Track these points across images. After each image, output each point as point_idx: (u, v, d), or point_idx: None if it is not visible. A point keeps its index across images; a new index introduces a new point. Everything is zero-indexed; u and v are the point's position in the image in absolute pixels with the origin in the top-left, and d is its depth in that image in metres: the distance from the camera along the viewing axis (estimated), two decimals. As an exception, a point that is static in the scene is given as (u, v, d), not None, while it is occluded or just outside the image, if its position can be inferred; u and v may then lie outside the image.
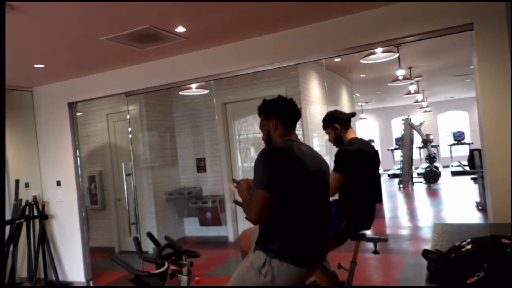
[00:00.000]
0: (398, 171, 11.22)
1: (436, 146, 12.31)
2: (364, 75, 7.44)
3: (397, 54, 5.01)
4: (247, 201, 1.94)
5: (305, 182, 1.94)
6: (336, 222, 2.66)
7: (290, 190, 1.88)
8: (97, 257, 5.41)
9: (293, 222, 1.91)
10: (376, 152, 2.90)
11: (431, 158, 10.48)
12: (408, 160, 10.25)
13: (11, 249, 4.61)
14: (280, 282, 1.89)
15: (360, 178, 2.73)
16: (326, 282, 2.72)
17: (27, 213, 4.69)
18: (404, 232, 6.43)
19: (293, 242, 1.91)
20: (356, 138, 2.84)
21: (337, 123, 2.84)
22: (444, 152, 13.16)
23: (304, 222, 1.93)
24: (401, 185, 10.25)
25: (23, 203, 4.74)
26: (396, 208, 8.38)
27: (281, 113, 2.10)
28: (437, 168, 10.54)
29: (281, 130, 2.09)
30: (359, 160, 2.69)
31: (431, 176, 10.34)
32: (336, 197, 2.78)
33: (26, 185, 4.93)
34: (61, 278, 4.73)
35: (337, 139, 2.86)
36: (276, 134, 2.10)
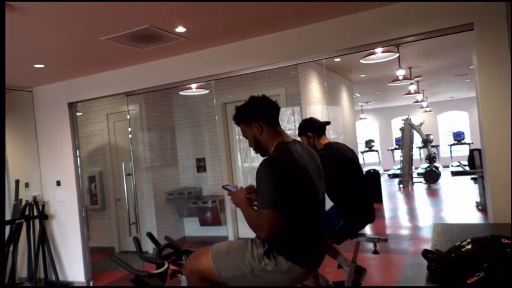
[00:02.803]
0: (398, 171, 11.22)
1: (436, 146, 12.30)
2: (364, 75, 7.44)
3: (397, 54, 5.01)
4: (255, 219, 1.88)
5: (308, 188, 1.93)
6: (334, 220, 2.68)
7: (296, 199, 1.87)
8: (97, 257, 5.40)
9: (298, 225, 1.91)
10: (353, 151, 3.00)
11: (431, 158, 10.48)
12: (408, 160, 10.24)
13: (11, 249, 4.61)
14: (279, 276, 1.89)
15: (349, 179, 2.78)
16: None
17: (27, 213, 4.69)
18: (404, 232, 6.43)
19: (297, 244, 1.91)
20: (331, 143, 2.92)
21: (310, 131, 2.89)
22: (444, 152, 13.17)
23: (308, 226, 1.94)
24: (401, 185, 10.25)
25: (23, 203, 4.74)
26: (396, 208, 8.38)
27: (261, 114, 2.01)
28: (437, 168, 10.54)
29: (268, 131, 2.02)
30: (343, 162, 2.78)
31: (431, 176, 10.34)
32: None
33: (26, 185, 4.93)
34: (61, 278, 4.73)
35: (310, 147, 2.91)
36: (264, 137, 2.02)
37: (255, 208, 1.94)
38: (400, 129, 10.74)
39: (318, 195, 1.98)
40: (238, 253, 1.97)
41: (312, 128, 2.91)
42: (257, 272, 1.90)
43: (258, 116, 2.02)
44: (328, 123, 3.02)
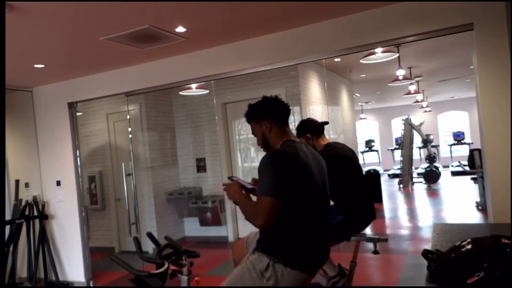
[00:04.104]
0: (398, 171, 11.22)
1: (436, 146, 12.31)
2: (364, 75, 7.44)
3: (397, 54, 5.01)
4: (252, 207, 1.90)
5: (311, 187, 1.93)
6: (332, 215, 2.67)
7: (296, 195, 1.87)
8: (97, 257, 5.41)
9: (298, 227, 1.90)
10: (353, 152, 2.97)
11: (431, 158, 10.48)
12: (408, 160, 10.25)
13: (11, 249, 4.61)
14: (283, 286, 1.87)
15: (349, 179, 2.77)
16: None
17: (27, 213, 4.69)
18: (404, 232, 6.43)
19: (298, 247, 1.90)
20: (331, 143, 2.91)
21: (309, 132, 2.88)
22: (444, 152, 13.16)
23: (308, 226, 1.93)
24: (401, 185, 10.25)
25: (23, 203, 4.74)
26: (396, 208, 8.38)
27: (272, 113, 2.06)
28: (437, 168, 10.54)
29: (276, 129, 2.06)
30: (343, 163, 2.76)
31: (431, 176, 10.34)
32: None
33: (26, 185, 4.93)
34: (61, 278, 4.73)
35: None
36: (272, 135, 2.06)
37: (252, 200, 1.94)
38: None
39: (320, 196, 1.98)
40: (239, 282, 1.95)
41: (311, 129, 2.90)
42: None
43: (268, 114, 2.06)
44: (326, 123, 3.01)
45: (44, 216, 4.75)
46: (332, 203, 2.73)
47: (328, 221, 2.08)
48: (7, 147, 4.63)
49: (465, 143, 11.95)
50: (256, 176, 1.99)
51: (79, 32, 3.11)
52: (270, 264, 1.88)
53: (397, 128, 11.45)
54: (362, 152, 13.18)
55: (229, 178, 2.26)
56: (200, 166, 6.33)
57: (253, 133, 2.17)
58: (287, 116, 2.11)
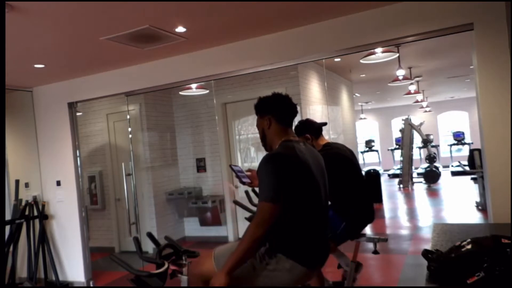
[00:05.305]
0: (398, 171, 11.22)
1: (436, 146, 12.31)
2: (364, 75, 7.44)
3: (397, 54, 5.01)
4: (250, 228, 1.82)
5: (310, 186, 1.93)
6: (335, 224, 2.68)
7: (296, 195, 1.87)
8: (97, 257, 5.40)
9: (299, 224, 1.90)
10: (352, 152, 2.98)
11: (431, 158, 10.49)
12: (408, 160, 10.25)
13: (11, 249, 4.61)
14: (281, 275, 1.89)
15: (348, 179, 2.77)
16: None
17: (27, 213, 4.69)
18: (404, 232, 6.43)
19: (298, 242, 1.91)
20: (330, 143, 2.92)
21: (308, 133, 2.88)
22: (444, 152, 13.17)
23: (309, 223, 1.93)
24: (401, 185, 10.25)
25: (23, 203, 4.74)
26: (396, 208, 8.38)
27: (274, 110, 2.04)
28: (437, 168, 10.55)
29: (276, 127, 2.04)
30: (342, 162, 2.77)
31: (431, 176, 10.34)
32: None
33: (26, 185, 4.93)
34: (61, 278, 4.73)
35: None
36: (271, 132, 2.06)
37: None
38: (400, 130, 10.75)
39: (320, 194, 1.98)
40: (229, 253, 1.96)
41: (310, 129, 2.90)
42: (259, 271, 1.90)
43: (270, 110, 2.05)
44: (325, 124, 3.02)
45: (44, 216, 4.75)
46: (331, 203, 2.74)
47: (328, 218, 2.08)
48: (7, 147, 4.63)
49: (465, 143, 11.95)
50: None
51: (79, 32, 3.11)
52: (273, 251, 1.89)
53: (397, 128, 11.46)
54: (362, 152, 13.18)
55: (230, 166, 2.30)
56: (200, 166, 6.33)
57: (256, 126, 2.17)
58: (291, 117, 2.09)
